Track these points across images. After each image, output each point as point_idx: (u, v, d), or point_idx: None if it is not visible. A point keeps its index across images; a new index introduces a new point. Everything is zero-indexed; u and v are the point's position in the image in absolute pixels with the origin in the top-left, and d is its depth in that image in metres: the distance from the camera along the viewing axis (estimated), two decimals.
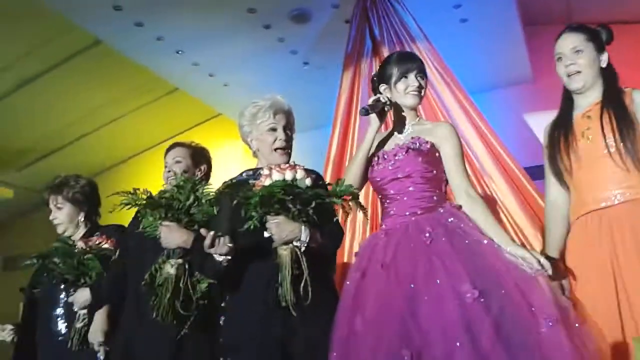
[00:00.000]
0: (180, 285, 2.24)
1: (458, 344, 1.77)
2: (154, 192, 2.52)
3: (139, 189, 2.38)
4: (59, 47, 4.43)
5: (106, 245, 2.79)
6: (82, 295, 2.69)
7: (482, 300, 1.82)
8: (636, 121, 2.14)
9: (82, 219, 2.97)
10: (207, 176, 2.86)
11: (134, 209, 2.43)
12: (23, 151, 5.59)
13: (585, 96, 2.27)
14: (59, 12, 3.90)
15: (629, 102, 2.18)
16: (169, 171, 2.76)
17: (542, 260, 1.94)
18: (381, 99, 2.23)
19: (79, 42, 4.41)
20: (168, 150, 2.85)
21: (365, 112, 2.21)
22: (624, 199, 2.11)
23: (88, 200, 3.01)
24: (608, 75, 2.27)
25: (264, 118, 2.37)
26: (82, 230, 2.96)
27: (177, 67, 4.66)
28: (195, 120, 5.85)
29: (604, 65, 2.26)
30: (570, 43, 2.26)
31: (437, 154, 2.21)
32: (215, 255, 2.07)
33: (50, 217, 2.97)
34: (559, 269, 2.22)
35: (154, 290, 2.25)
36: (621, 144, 2.11)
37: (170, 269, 2.26)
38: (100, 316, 2.65)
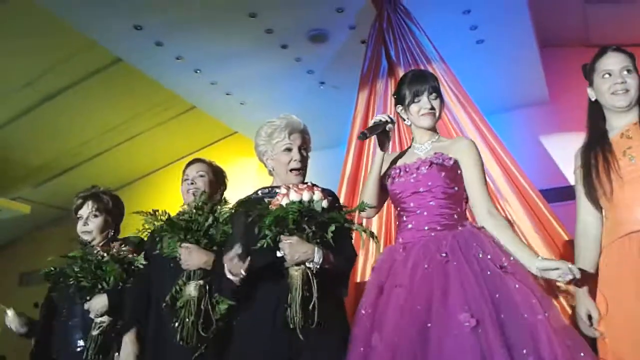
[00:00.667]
0: (202, 306, 2.24)
1: None
2: (172, 210, 2.55)
3: (158, 210, 2.40)
4: (80, 65, 4.51)
5: (125, 250, 2.78)
6: (99, 302, 2.65)
7: (482, 327, 1.80)
8: None
9: (112, 232, 2.99)
10: (222, 197, 2.88)
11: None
12: (41, 167, 5.66)
13: (623, 116, 2.23)
14: (80, 31, 3.97)
15: None
16: (192, 183, 2.75)
17: (572, 266, 1.92)
18: (381, 119, 2.24)
19: (99, 60, 4.49)
20: (190, 164, 2.86)
21: (364, 136, 2.21)
22: None
23: (119, 214, 3.06)
24: None
25: (280, 138, 2.37)
26: (103, 240, 2.95)
27: (195, 86, 4.72)
28: (212, 138, 5.89)
29: None
30: (621, 62, 2.24)
31: (459, 171, 2.19)
32: (228, 274, 2.07)
33: (81, 225, 2.94)
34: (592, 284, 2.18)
35: (175, 312, 2.26)
36: None
37: (192, 290, 2.26)
38: (129, 339, 2.60)
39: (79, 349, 2.72)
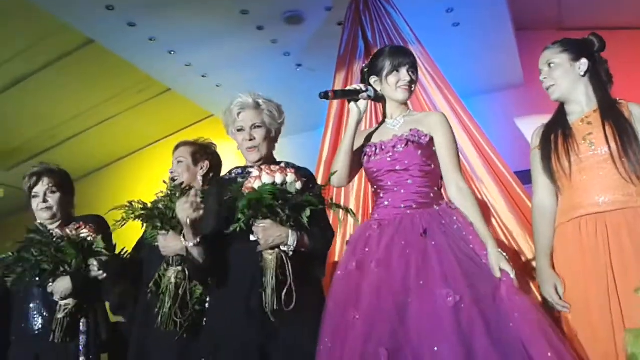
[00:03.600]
0: (179, 292, 2.26)
1: (436, 348, 1.77)
2: (147, 194, 2.54)
3: (134, 201, 2.39)
4: (51, 47, 4.40)
5: (85, 232, 2.75)
6: (63, 285, 2.63)
7: (463, 304, 1.83)
8: (636, 132, 2.19)
9: (72, 208, 2.96)
10: (213, 170, 2.86)
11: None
12: (13, 151, 5.55)
13: (574, 103, 2.33)
14: (51, 12, 3.88)
15: (628, 114, 2.23)
16: (172, 172, 2.80)
17: (504, 266, 1.96)
18: (356, 87, 2.26)
19: (71, 41, 4.39)
20: (175, 147, 2.89)
21: (324, 95, 2.19)
22: (622, 206, 2.13)
23: (73, 190, 3.02)
24: (597, 82, 2.33)
25: (232, 118, 2.37)
26: (58, 220, 2.91)
27: (169, 68, 4.64)
28: (188, 121, 5.83)
29: (582, 72, 2.32)
30: (544, 58, 2.39)
31: (434, 148, 2.21)
32: (186, 244, 2.07)
33: (39, 202, 2.87)
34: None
35: (158, 297, 2.28)
36: (622, 152, 2.16)
37: (170, 277, 2.27)
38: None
39: (36, 332, 2.71)
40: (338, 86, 3.79)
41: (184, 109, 5.50)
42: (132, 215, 2.35)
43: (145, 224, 2.39)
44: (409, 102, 2.37)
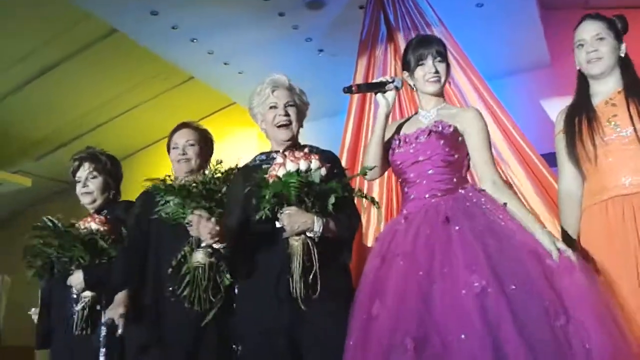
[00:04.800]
0: (211, 273, 2.25)
1: (463, 336, 1.75)
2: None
3: (169, 176, 2.41)
4: (76, 37, 4.45)
5: (94, 226, 2.75)
6: (76, 278, 2.66)
7: (489, 290, 1.80)
8: None
9: (113, 194, 2.97)
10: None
11: None
12: (40, 140, 5.64)
13: (603, 82, 2.28)
14: (75, 3, 3.91)
15: None
16: (183, 154, 2.71)
17: (559, 245, 1.93)
18: (382, 79, 2.24)
19: (94, 31, 4.43)
20: (177, 130, 2.79)
21: (348, 90, 2.19)
22: None
23: (118, 175, 3.03)
24: (626, 65, 2.29)
25: (265, 96, 2.35)
26: (98, 205, 2.93)
27: (192, 56, 4.66)
28: (211, 109, 5.85)
29: (622, 54, 2.28)
30: (592, 30, 2.28)
31: (459, 138, 2.18)
32: (208, 242, 2.08)
33: (80, 187, 2.90)
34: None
35: (182, 277, 2.26)
36: None
37: (201, 257, 2.25)
38: (118, 298, 2.56)
39: (71, 322, 2.73)
40: (360, 71, 3.78)
41: (206, 97, 5.52)
42: (172, 192, 2.34)
43: (171, 201, 2.37)
44: (444, 93, 2.32)
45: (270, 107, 2.35)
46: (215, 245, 2.13)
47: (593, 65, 2.26)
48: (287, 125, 2.34)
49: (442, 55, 2.25)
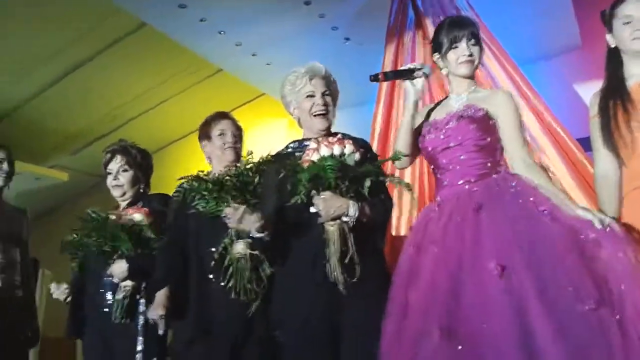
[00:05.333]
0: (252, 264, 2.27)
1: (485, 325, 1.74)
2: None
3: (202, 171, 2.42)
4: (106, 32, 4.52)
5: (138, 217, 2.78)
6: (119, 267, 2.68)
7: (516, 278, 1.78)
8: None
9: (142, 187, 3.00)
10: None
11: None
12: (75, 135, 5.75)
13: (638, 64, 2.19)
14: None
15: None
16: (235, 142, 2.73)
17: (603, 217, 1.90)
18: (411, 66, 2.22)
19: (125, 25, 4.49)
20: (220, 118, 2.80)
21: (374, 78, 2.18)
22: None
23: (149, 168, 3.06)
24: None
25: (302, 84, 2.35)
26: (129, 199, 2.96)
27: (220, 48, 4.68)
28: (240, 100, 5.88)
29: None
30: (635, 8, 2.18)
31: (491, 122, 2.13)
32: (253, 233, 2.09)
33: (111, 180, 2.94)
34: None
35: (225, 269, 2.29)
36: None
37: (241, 248, 2.27)
38: (160, 296, 2.58)
39: (105, 310, 2.78)
40: (388, 59, 3.75)
41: (235, 89, 5.55)
42: (204, 187, 2.37)
43: (207, 195, 2.39)
44: (475, 76, 2.28)
45: (308, 96, 2.34)
46: (257, 235, 2.13)
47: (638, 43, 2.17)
48: (325, 114, 2.34)
49: (476, 38, 2.20)
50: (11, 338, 3.14)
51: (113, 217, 2.79)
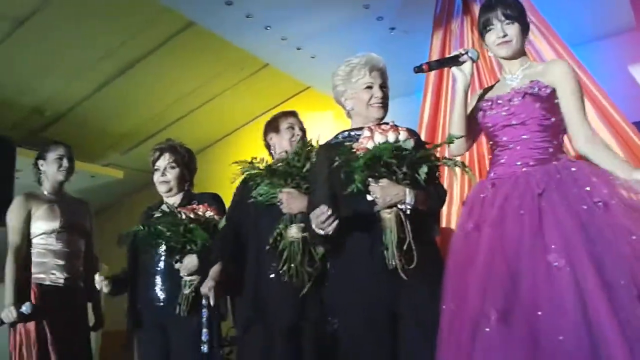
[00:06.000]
0: (306, 247, 2.33)
1: (540, 312, 1.73)
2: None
3: (255, 158, 2.48)
4: (155, 32, 4.61)
5: (210, 214, 2.89)
6: (190, 262, 2.79)
7: (576, 268, 1.75)
8: None
9: (187, 186, 3.10)
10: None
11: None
12: (128, 134, 5.90)
13: None
14: None
15: None
16: (303, 135, 2.84)
17: None
18: (456, 52, 2.22)
19: (173, 25, 4.58)
20: (288, 115, 2.93)
21: (419, 69, 2.16)
22: None
23: (194, 168, 3.17)
24: None
25: (360, 76, 2.35)
26: (179, 197, 3.06)
27: (266, 43, 4.73)
28: (287, 95, 5.93)
29: None
30: None
31: (556, 101, 2.07)
32: (316, 230, 2.09)
33: (159, 176, 3.04)
34: None
35: (279, 253, 2.35)
36: None
37: (294, 233, 2.33)
38: (215, 268, 2.71)
39: (161, 303, 2.90)
40: (435, 47, 3.70)
41: (281, 83, 5.59)
42: (255, 173, 2.43)
43: (261, 181, 2.45)
44: (526, 51, 2.22)
45: (366, 87, 2.34)
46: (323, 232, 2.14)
47: None
48: (384, 105, 2.35)
49: (511, 17, 2.13)
50: (76, 325, 3.28)
51: (185, 211, 2.88)
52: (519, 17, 2.15)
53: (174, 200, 3.06)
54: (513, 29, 2.13)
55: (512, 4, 2.16)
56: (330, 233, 2.05)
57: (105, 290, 2.97)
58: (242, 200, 2.71)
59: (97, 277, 2.98)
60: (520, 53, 2.19)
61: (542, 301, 1.76)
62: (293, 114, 2.95)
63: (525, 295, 1.79)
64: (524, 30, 2.17)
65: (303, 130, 2.87)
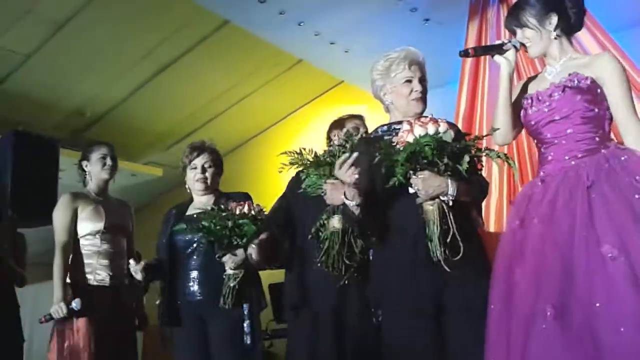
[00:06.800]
0: (345, 238, 2.33)
1: (598, 304, 1.70)
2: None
3: (304, 149, 2.50)
4: (191, 31, 4.69)
5: (260, 209, 2.91)
6: (239, 255, 2.81)
7: (631, 260, 1.72)
8: None
9: (218, 185, 3.16)
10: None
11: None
12: (166, 133, 6.02)
13: None
14: None
15: None
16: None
17: None
18: (500, 41, 2.20)
19: (208, 24, 4.64)
20: (358, 118, 3.02)
21: (464, 53, 2.17)
22: None
23: (222, 170, 3.22)
24: None
25: (399, 70, 2.34)
26: (211, 196, 3.10)
27: (299, 39, 4.74)
28: (320, 89, 5.94)
29: None
30: None
31: (598, 90, 2.02)
32: (347, 202, 2.13)
33: (198, 173, 3.07)
34: None
35: (321, 242, 2.37)
36: None
37: (336, 223, 2.34)
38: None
39: (199, 297, 2.94)
40: (471, 36, 3.66)
41: (315, 78, 5.61)
42: (302, 162, 2.45)
43: (310, 173, 2.47)
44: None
45: (406, 81, 2.34)
46: (349, 203, 2.19)
47: None
48: (422, 99, 2.35)
49: (521, 26, 2.13)
50: (123, 324, 3.36)
51: (233, 208, 2.92)
52: (526, 20, 2.13)
53: (206, 199, 3.11)
54: (530, 33, 2.13)
55: (521, 9, 2.15)
56: (357, 200, 2.11)
57: (138, 277, 3.01)
58: (292, 190, 2.75)
59: (131, 262, 3.02)
60: (553, 48, 2.14)
61: (598, 293, 1.73)
62: (360, 117, 3.00)
63: (581, 289, 1.76)
64: (543, 28, 2.12)
65: (367, 133, 2.87)
